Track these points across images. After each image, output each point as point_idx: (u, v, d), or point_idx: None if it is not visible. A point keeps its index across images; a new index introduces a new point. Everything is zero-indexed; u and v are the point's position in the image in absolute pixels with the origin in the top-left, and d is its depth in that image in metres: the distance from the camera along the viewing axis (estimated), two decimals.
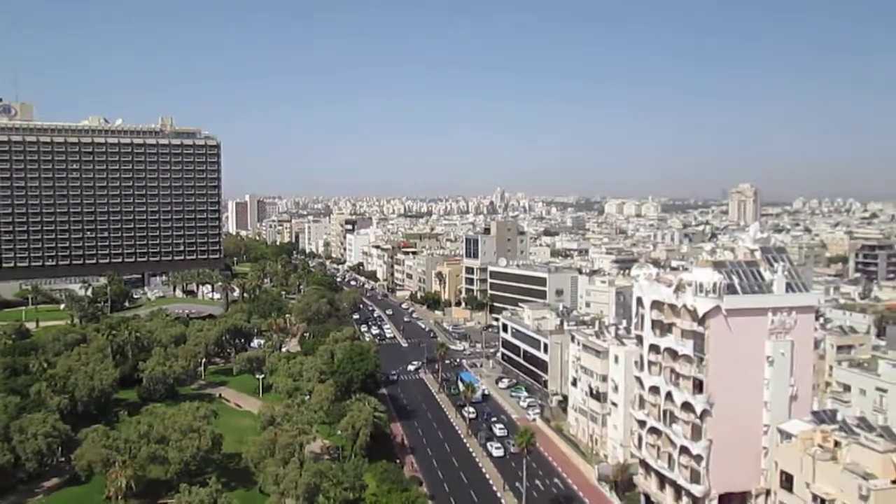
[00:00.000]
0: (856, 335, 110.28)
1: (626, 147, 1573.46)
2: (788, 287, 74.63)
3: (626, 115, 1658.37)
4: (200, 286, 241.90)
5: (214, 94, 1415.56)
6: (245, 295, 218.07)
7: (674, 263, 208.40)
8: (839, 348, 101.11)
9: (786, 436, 67.26)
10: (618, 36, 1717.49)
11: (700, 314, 71.65)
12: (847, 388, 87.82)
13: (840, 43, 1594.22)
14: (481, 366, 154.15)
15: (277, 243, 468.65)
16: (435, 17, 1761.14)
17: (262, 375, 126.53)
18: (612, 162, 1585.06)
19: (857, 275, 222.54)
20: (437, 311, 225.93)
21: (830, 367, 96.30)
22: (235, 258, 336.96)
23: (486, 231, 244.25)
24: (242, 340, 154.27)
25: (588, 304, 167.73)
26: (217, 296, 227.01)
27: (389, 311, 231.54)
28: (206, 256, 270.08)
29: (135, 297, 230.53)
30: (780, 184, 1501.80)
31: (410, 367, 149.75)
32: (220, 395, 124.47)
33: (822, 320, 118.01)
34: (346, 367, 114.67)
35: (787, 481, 64.59)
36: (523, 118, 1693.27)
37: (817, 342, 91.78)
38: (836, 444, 60.98)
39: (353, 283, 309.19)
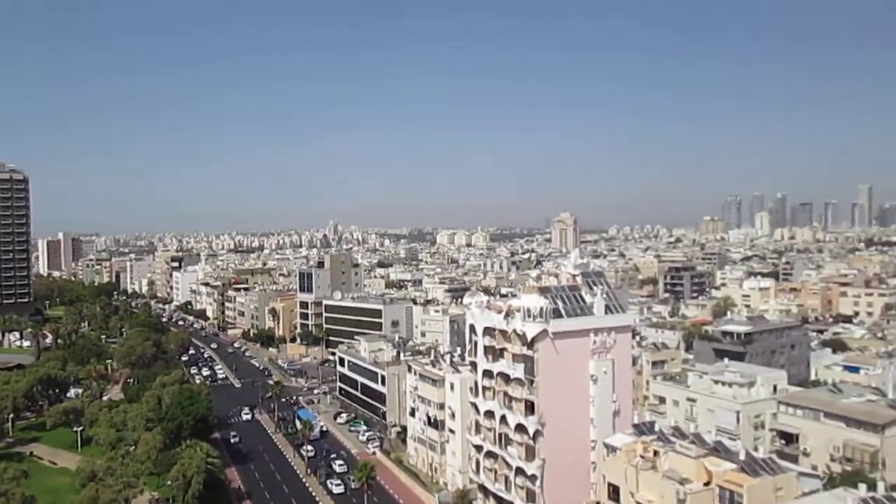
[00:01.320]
0: (668, 351, 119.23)
1: (455, 178, 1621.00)
2: (607, 309, 79.67)
3: (452, 149, 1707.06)
4: (6, 333, 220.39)
5: (23, 127, 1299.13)
6: (59, 341, 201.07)
7: (503, 290, 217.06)
8: (654, 364, 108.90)
9: (611, 449, 71.05)
10: (431, 73, 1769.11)
11: (529, 338, 74.69)
12: (662, 401, 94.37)
13: (641, 79, 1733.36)
14: (319, 402, 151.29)
15: (96, 284, 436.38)
16: (242, 45, 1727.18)
17: (81, 428, 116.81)
18: (442, 193, 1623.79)
19: (666, 295, 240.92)
20: (271, 349, 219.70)
21: (647, 382, 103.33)
22: (48, 301, 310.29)
23: (320, 265, 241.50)
24: (57, 391, 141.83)
25: (423, 334, 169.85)
26: (27, 343, 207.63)
27: (221, 351, 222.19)
28: (13, 300, 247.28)
29: None
30: (597, 212, 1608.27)
31: (245, 408, 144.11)
32: (31, 452, 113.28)
33: (638, 338, 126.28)
34: (175, 412, 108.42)
35: (614, 493, 68.07)
36: (353, 151, 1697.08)
37: (635, 359, 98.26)
38: (656, 453, 65.15)
39: (181, 322, 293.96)
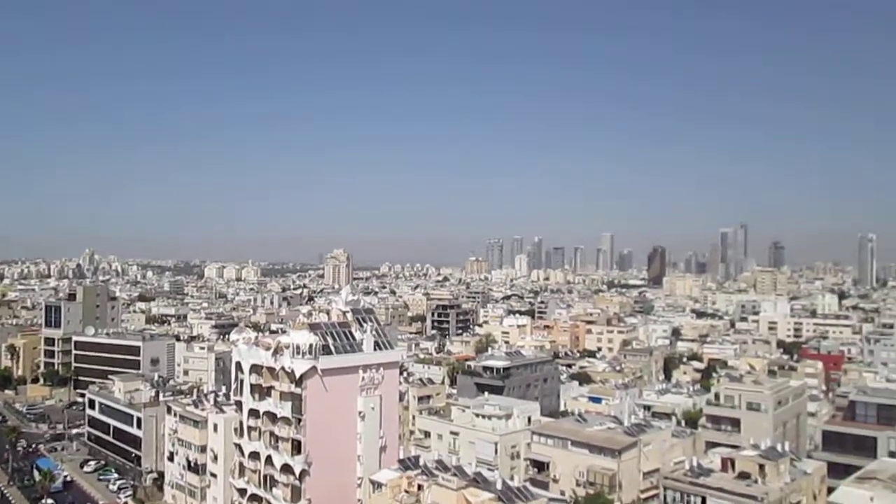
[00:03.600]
0: (433, 386, 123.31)
1: (226, 210, 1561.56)
2: (377, 345, 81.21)
3: (224, 180, 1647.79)
4: None
5: None
6: None
7: (273, 327, 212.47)
8: (420, 399, 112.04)
9: (376, 486, 71.88)
10: (204, 98, 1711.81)
11: (297, 375, 73.97)
12: (428, 435, 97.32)
13: (413, 120, 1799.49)
14: (63, 449, 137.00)
15: None
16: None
17: None
18: (212, 225, 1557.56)
19: (434, 331, 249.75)
20: (7, 391, 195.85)
21: (414, 417, 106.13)
22: None
23: (71, 297, 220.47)
24: None
25: (187, 372, 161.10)
26: None
27: None
28: None
29: None
30: (369, 250, 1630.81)
31: None
32: None
33: (405, 374, 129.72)
34: None
35: None
36: (113, 175, 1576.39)
37: (402, 394, 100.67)
38: (420, 487, 67.05)
39: None
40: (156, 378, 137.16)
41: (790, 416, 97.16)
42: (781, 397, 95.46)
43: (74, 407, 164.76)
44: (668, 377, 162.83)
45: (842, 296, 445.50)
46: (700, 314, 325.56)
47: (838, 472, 70.65)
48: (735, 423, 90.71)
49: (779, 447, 73.28)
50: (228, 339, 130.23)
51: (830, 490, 64.74)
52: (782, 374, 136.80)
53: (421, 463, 72.65)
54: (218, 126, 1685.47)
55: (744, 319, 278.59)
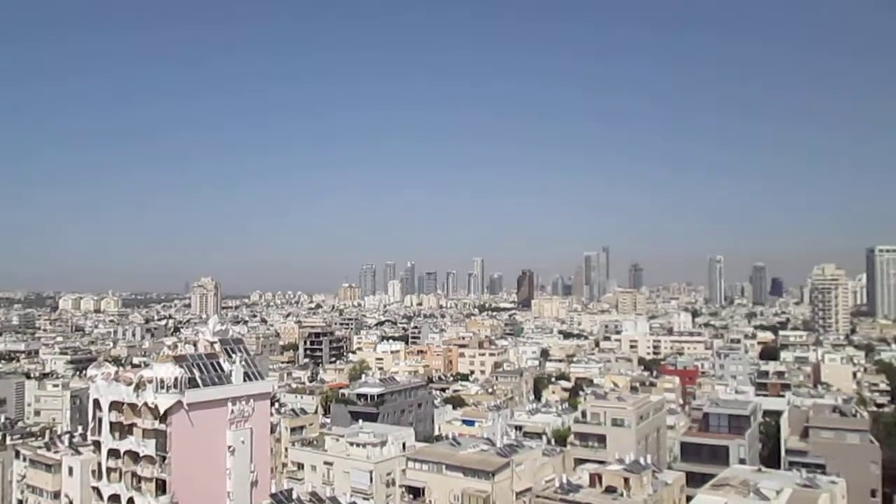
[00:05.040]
0: (306, 416, 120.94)
1: (85, 238, 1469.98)
2: (246, 376, 78.93)
3: (80, 205, 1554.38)
4: None
5: None
6: None
7: (135, 360, 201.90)
8: (293, 430, 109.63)
9: None
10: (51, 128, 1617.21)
11: (161, 411, 70.67)
12: (301, 467, 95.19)
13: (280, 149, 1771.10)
14: None
15: None
16: None
17: None
18: (68, 254, 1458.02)
19: (307, 360, 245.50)
20: None
21: (286, 449, 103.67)
22: None
23: None
24: None
25: (38, 413, 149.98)
26: None
27: None
28: None
29: None
30: (239, 278, 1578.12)
31: None
32: None
33: (277, 405, 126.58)
34: None
35: None
36: None
37: (274, 426, 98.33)
38: None
39: None
40: (2, 420, 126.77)
41: (651, 430, 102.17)
42: (643, 412, 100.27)
43: None
44: (538, 397, 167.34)
45: (695, 314, 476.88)
46: (567, 335, 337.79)
47: (696, 480, 75.15)
48: (601, 439, 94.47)
49: (641, 460, 77.00)
50: (86, 375, 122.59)
51: (689, 498, 68.72)
52: (643, 389, 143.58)
53: (294, 496, 71.00)
54: (70, 144, 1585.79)
55: (607, 339, 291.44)
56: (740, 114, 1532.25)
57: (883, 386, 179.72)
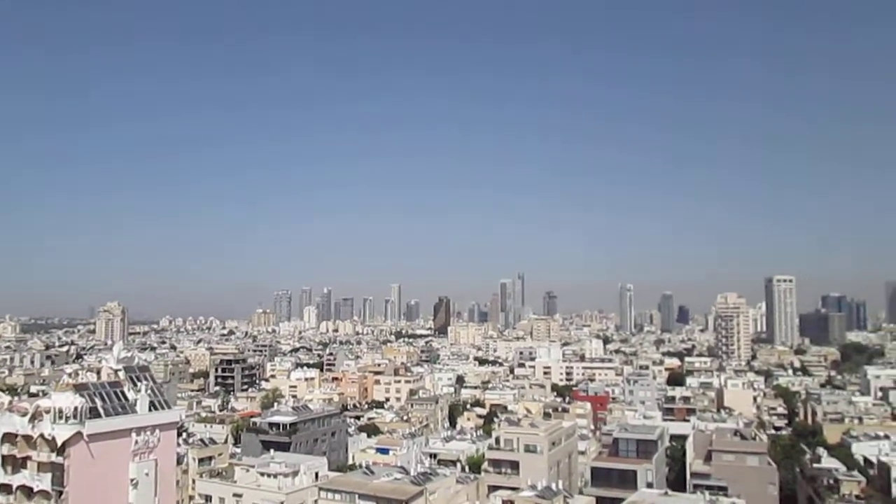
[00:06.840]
0: (215, 446, 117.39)
1: None
2: (152, 405, 76.07)
3: None
4: None
5: None
6: None
7: (33, 389, 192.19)
8: (201, 460, 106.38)
9: None
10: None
11: (59, 443, 67.29)
12: (209, 499, 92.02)
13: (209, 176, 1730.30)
14: None
15: None
16: None
17: None
18: None
19: (217, 388, 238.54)
20: None
21: (193, 480, 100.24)
22: None
23: None
24: None
25: None
26: None
27: None
28: None
29: None
30: (148, 303, 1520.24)
31: None
32: None
33: (185, 435, 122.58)
34: None
35: None
36: None
37: (181, 457, 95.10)
38: None
39: None
40: None
41: (563, 456, 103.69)
42: (555, 438, 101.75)
43: None
44: (453, 424, 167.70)
45: (606, 341, 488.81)
46: (482, 361, 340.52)
47: None
48: (514, 465, 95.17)
49: (553, 486, 78.19)
50: None
51: None
52: (556, 415, 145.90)
53: None
54: None
55: (522, 365, 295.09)
56: (642, 154, 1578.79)
57: (780, 410, 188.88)
